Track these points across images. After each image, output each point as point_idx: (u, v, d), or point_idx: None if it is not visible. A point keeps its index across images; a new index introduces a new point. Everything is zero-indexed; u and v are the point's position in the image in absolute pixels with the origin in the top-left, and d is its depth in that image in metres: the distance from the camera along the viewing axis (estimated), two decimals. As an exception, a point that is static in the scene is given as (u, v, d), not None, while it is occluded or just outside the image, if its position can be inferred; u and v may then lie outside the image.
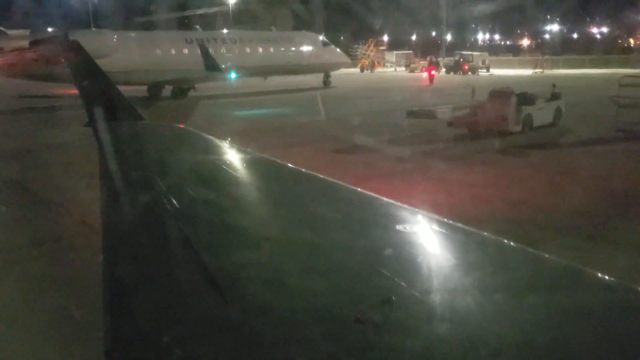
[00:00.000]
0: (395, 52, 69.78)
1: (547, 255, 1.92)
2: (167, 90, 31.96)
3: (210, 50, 28.11)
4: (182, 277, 1.82)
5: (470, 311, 1.55)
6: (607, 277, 1.71)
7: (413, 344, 1.43)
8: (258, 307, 1.61)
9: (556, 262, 1.89)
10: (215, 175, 3.29)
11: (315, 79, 37.53)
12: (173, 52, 31.03)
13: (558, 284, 1.74)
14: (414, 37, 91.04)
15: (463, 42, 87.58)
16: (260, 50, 34.18)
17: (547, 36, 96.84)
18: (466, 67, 52.55)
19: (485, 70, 53.66)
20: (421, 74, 51.86)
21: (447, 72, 54.03)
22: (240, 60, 30.53)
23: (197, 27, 39.68)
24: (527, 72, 51.03)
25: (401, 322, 1.50)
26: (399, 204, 2.49)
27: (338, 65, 39.84)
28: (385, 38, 77.58)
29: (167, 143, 4.51)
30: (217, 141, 4.37)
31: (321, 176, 3.05)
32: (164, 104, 28.86)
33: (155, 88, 31.82)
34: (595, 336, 1.44)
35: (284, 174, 3.40)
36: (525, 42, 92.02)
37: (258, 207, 2.73)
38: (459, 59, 54.77)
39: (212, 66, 27.10)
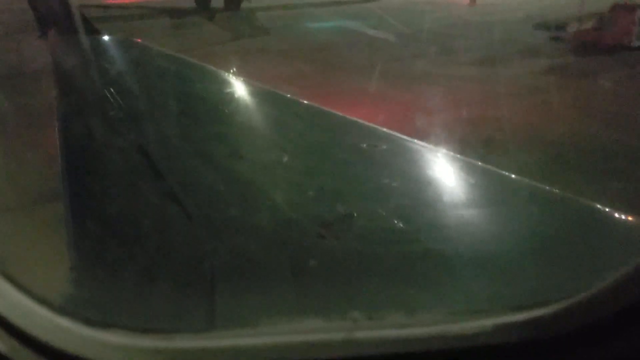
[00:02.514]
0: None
1: (519, 178, 1.91)
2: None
3: None
4: (143, 190, 1.82)
5: (434, 224, 1.63)
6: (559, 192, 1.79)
7: (374, 251, 1.52)
8: (220, 220, 1.64)
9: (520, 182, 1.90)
10: (174, 90, 3.24)
11: None
12: None
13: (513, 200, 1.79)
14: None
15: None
16: None
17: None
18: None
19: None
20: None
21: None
22: None
23: None
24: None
25: (363, 234, 1.58)
26: (372, 124, 2.46)
27: None
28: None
29: (124, 57, 4.42)
30: (170, 54, 4.39)
31: (291, 97, 2.99)
32: (224, 16, 27.88)
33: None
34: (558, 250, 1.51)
35: (244, 92, 3.32)
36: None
37: (223, 125, 2.65)
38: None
39: None
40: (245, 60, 16.14)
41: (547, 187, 1.82)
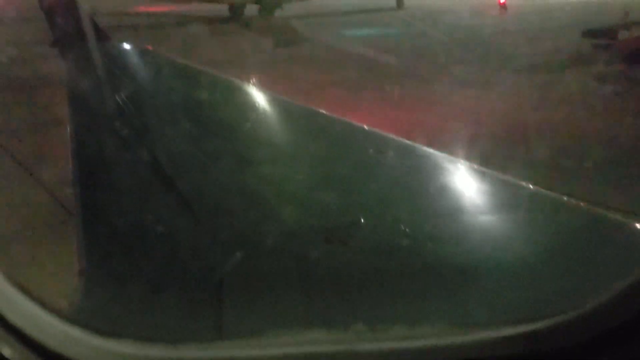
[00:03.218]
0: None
1: (525, 184, 1.90)
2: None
3: None
4: (152, 201, 1.83)
5: (437, 233, 1.62)
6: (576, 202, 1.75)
7: (378, 263, 1.53)
8: (228, 230, 1.65)
9: (536, 192, 1.88)
10: (183, 98, 3.24)
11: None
12: None
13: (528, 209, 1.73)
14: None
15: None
16: None
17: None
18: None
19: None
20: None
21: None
22: None
23: None
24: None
25: (368, 243, 1.60)
26: (379, 131, 2.45)
27: None
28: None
29: (136, 65, 4.48)
30: (182, 62, 4.40)
31: (300, 105, 3.04)
32: (260, 24, 28.18)
33: (240, 6, 30.86)
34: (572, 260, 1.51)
35: (253, 100, 3.33)
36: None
37: (232, 133, 2.64)
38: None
39: None
40: (290, 68, 16.30)
41: (555, 194, 1.81)
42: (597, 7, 34.16)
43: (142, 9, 32.77)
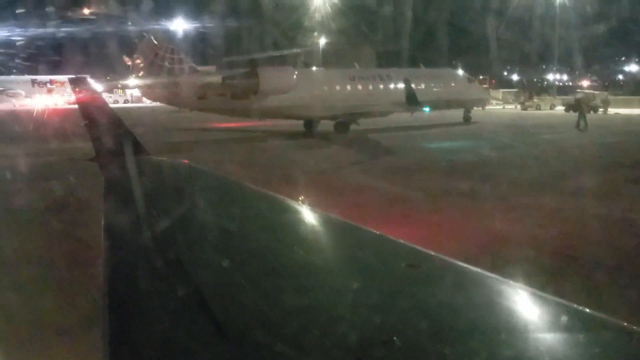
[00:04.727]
0: (501, 90, 69.70)
1: (556, 299, 1.76)
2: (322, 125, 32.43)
3: (411, 86, 28.74)
4: (186, 323, 1.76)
5: (472, 354, 1.53)
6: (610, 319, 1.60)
7: None
8: (257, 344, 1.60)
9: (567, 307, 1.73)
10: (221, 213, 3.23)
11: (437, 115, 36.68)
12: (358, 86, 32.99)
13: (566, 329, 1.64)
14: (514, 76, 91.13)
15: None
16: (433, 86, 35.00)
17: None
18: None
19: (603, 110, 52.83)
20: (538, 111, 51.50)
21: (566, 110, 53.17)
22: (422, 94, 30.91)
23: (356, 64, 40.71)
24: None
25: None
26: (405, 242, 2.36)
27: (481, 101, 40.37)
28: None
29: (174, 179, 4.49)
30: (217, 176, 4.36)
31: (330, 215, 2.97)
32: (338, 138, 29.28)
33: (314, 122, 32.43)
34: None
35: (284, 211, 3.32)
36: None
37: (263, 248, 2.58)
38: (581, 97, 53.85)
39: (413, 100, 27.65)
40: (398, 177, 16.66)
41: (597, 313, 1.66)
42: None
43: (225, 124, 34.89)
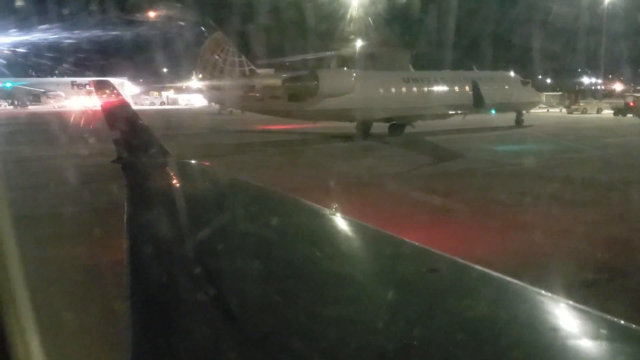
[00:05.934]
0: (545, 93, 68.57)
1: (582, 307, 1.72)
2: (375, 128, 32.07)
3: (479, 89, 28.20)
4: (208, 326, 1.77)
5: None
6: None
7: None
8: (281, 347, 1.59)
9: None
10: (242, 215, 3.21)
11: (482, 118, 35.44)
12: (413, 89, 32.82)
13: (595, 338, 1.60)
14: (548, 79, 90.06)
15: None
16: (495, 88, 34.41)
17: None
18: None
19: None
20: (585, 115, 50.85)
21: (615, 114, 51.98)
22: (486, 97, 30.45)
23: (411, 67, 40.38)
24: None
25: None
26: (423, 246, 2.39)
27: (535, 104, 39.96)
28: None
29: (196, 181, 4.45)
30: (238, 179, 4.30)
31: (355, 220, 2.95)
32: (396, 141, 28.88)
33: (368, 125, 32.13)
34: None
35: (304, 214, 3.32)
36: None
37: (285, 252, 2.61)
38: (633, 100, 52.58)
39: (481, 103, 27.21)
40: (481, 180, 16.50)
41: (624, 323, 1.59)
42: None
43: (276, 126, 34.78)
